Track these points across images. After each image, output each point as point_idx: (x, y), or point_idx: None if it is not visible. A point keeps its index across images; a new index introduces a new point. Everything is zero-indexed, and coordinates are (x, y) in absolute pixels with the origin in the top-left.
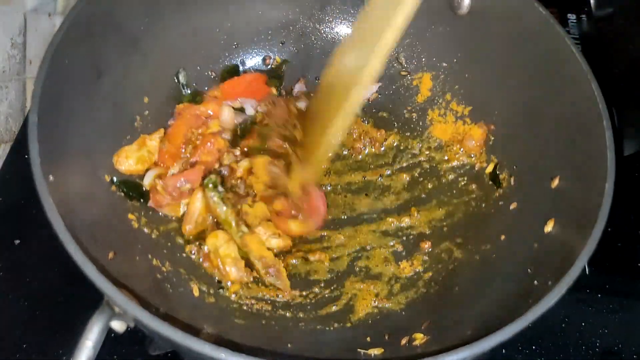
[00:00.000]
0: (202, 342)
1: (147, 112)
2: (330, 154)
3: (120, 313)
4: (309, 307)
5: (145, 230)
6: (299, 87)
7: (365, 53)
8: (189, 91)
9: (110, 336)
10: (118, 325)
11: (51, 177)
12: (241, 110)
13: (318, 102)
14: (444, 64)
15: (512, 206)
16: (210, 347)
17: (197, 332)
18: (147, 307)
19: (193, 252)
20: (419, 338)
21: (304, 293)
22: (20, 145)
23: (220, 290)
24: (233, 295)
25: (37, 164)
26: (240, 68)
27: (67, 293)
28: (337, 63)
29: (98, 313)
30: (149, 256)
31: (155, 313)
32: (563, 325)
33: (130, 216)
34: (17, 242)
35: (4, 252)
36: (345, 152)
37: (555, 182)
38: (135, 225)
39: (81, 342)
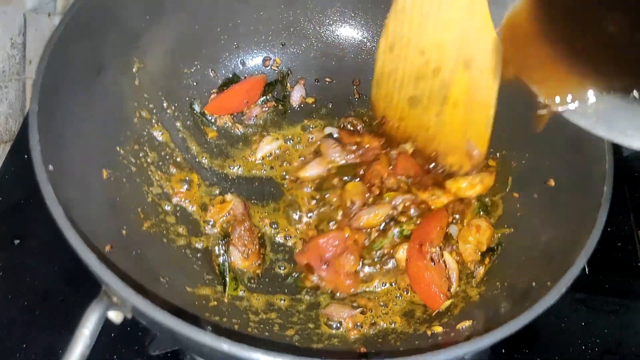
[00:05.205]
0: (202, 332)
1: (146, 109)
2: None
3: (118, 303)
4: None
5: (144, 225)
6: (298, 89)
7: None
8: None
9: (110, 336)
10: (115, 316)
11: (51, 167)
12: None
13: None
14: None
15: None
16: (211, 337)
17: (197, 321)
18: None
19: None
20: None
21: None
22: (20, 145)
23: (218, 287)
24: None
25: (38, 152)
26: (240, 68)
27: (67, 293)
28: None
29: (95, 302)
30: (146, 250)
31: (154, 301)
32: (563, 325)
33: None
34: (17, 242)
35: (4, 252)
36: None
37: (555, 183)
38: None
39: (78, 330)
